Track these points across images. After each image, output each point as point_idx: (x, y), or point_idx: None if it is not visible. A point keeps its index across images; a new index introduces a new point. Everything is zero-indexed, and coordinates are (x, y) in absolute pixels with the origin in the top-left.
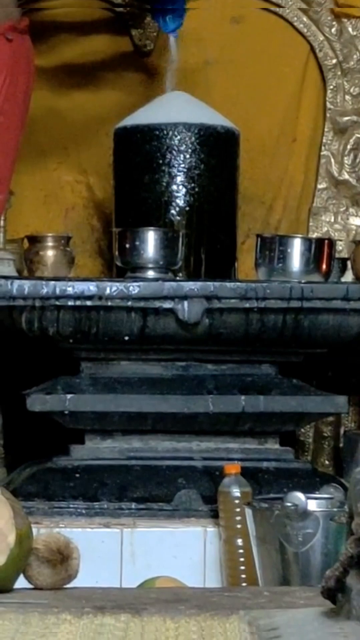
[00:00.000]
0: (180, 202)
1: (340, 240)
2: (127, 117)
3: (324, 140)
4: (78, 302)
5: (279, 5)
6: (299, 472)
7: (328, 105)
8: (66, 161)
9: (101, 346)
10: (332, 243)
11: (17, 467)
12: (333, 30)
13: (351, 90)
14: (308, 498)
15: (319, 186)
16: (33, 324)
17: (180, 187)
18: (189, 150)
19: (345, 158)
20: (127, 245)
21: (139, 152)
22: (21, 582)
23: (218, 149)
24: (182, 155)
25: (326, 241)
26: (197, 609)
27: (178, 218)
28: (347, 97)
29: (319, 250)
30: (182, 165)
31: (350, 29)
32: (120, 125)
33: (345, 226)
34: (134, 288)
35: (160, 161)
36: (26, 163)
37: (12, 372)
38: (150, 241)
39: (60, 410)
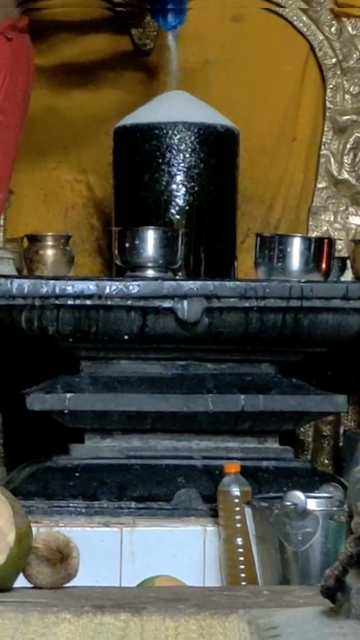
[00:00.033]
0: (179, 201)
1: (340, 240)
2: (127, 116)
3: (323, 140)
4: (78, 301)
5: (279, 5)
6: (299, 471)
7: (328, 104)
8: (66, 160)
9: (101, 345)
10: (331, 242)
11: (17, 466)
12: (333, 29)
13: (351, 89)
14: (307, 497)
15: (319, 185)
16: (33, 323)
17: (180, 186)
18: (189, 150)
19: (345, 157)
20: (127, 245)
21: (138, 151)
22: (21, 581)
23: (218, 148)
24: (181, 155)
25: (326, 240)
26: (196, 608)
27: (178, 217)
28: (346, 96)
29: (319, 250)
30: (182, 165)
31: (349, 28)
32: (120, 124)
33: (345, 225)
34: (134, 287)
35: (160, 160)
36: (26, 162)
37: (12, 371)
38: (150, 240)
39: (60, 410)
